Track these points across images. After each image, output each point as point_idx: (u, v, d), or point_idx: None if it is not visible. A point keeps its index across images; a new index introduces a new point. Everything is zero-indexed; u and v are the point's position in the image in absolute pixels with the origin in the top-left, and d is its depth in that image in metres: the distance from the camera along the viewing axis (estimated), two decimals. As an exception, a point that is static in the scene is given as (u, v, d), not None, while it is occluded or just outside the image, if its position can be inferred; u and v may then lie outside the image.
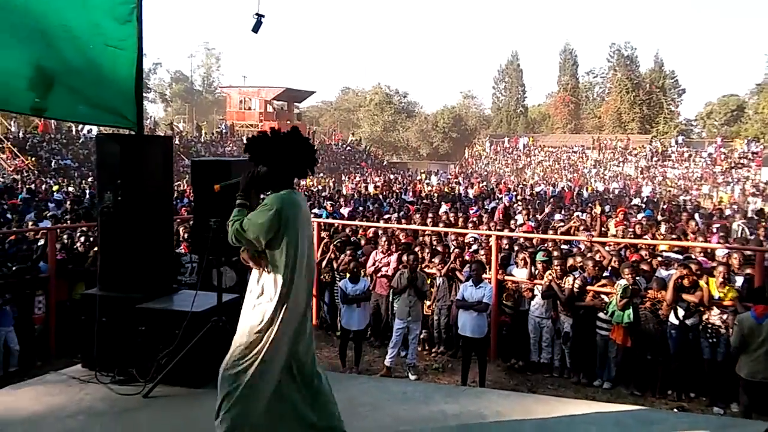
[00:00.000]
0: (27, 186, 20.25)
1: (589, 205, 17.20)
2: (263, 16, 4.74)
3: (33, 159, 27.75)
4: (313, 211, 14.73)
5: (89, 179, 23.90)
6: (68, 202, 15.16)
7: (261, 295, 3.34)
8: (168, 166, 5.15)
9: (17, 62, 4.33)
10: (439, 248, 9.15)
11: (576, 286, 7.55)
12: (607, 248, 8.60)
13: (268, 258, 3.31)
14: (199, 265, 9.56)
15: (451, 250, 8.90)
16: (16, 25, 4.23)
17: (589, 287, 7.60)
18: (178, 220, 10.00)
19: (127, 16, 4.81)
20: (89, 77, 4.75)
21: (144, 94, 5.12)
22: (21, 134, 30.81)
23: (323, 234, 9.90)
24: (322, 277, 9.49)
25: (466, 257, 8.65)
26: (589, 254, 8.56)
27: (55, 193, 18.70)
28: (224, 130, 44.68)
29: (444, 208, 15.99)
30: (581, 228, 11.22)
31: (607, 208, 16.69)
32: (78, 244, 9.46)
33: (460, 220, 12.31)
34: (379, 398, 4.51)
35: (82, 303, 4.89)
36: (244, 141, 3.67)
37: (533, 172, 42.99)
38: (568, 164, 43.56)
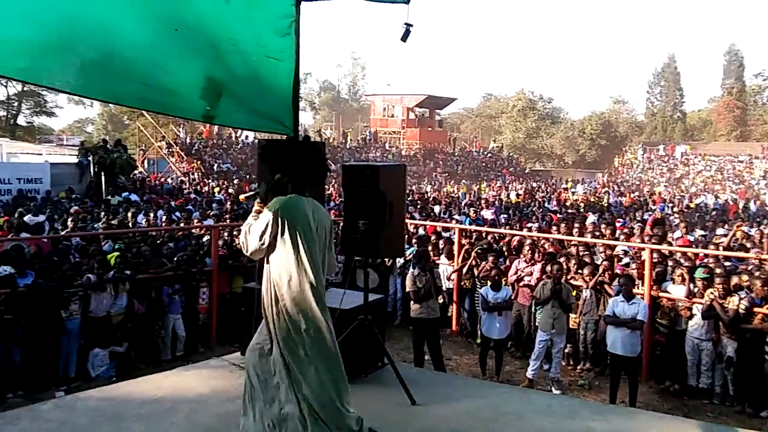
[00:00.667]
0: (193, 188, 22.16)
1: (757, 219, 15.69)
2: (412, 25, 4.83)
3: (198, 162, 30.29)
4: (453, 217, 14.76)
5: (233, 181, 25.60)
6: (228, 203, 16.38)
7: (266, 295, 3.50)
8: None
9: (192, 74, 4.75)
10: (587, 259, 8.79)
11: (742, 307, 6.91)
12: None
13: (271, 259, 3.45)
14: (346, 265, 9.98)
15: (599, 263, 8.53)
16: (191, 40, 4.63)
17: (757, 309, 6.93)
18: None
19: (286, 29, 5.10)
20: (252, 87, 5.09)
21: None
22: (188, 140, 33.78)
23: (464, 241, 9.88)
24: (462, 283, 9.50)
25: (617, 270, 8.24)
26: (757, 273, 7.81)
27: (216, 194, 20.29)
28: (368, 137, 46.04)
29: (591, 218, 15.34)
30: (743, 240, 10.26)
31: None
32: (237, 242, 10.19)
33: (608, 231, 11.74)
34: (523, 409, 4.42)
35: (243, 295, 5.25)
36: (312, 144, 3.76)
37: (692, 182, 39.92)
38: (732, 175, 39.98)
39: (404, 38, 4.80)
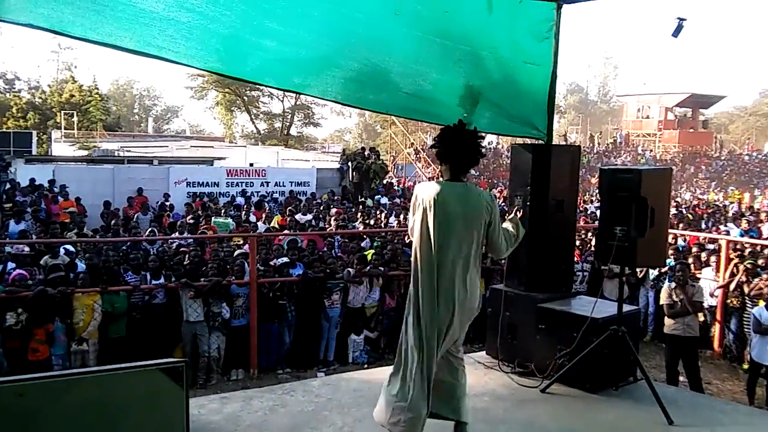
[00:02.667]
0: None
1: None
2: (685, 19, 4.49)
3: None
4: (718, 227, 13.29)
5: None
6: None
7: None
8: (574, 175, 5.29)
9: (452, 83, 4.98)
10: None
11: None
12: None
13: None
14: (591, 272, 9.60)
15: None
16: (453, 50, 4.86)
17: None
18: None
19: (545, 33, 5.09)
20: (508, 92, 5.17)
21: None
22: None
23: (733, 254, 8.86)
24: (728, 301, 8.53)
25: None
26: None
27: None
28: (619, 140, 43.46)
29: None
30: None
31: None
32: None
33: None
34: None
35: (491, 297, 5.37)
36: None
37: None
38: None
39: (676, 33, 4.50)
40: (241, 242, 9.93)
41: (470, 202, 3.51)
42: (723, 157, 41.33)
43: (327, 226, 13.08)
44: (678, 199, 22.79)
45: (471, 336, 9.07)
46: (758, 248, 9.67)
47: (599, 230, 4.64)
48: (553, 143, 5.41)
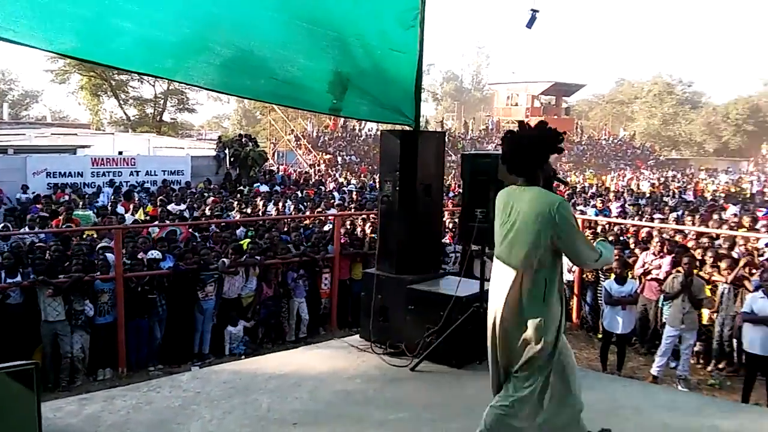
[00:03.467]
0: (318, 178, 22.99)
1: None
2: (538, 11, 4.78)
3: (323, 154, 31.38)
4: (578, 208, 14.30)
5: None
6: (353, 193, 16.88)
7: None
8: (440, 160, 5.48)
9: (320, 69, 4.98)
10: (726, 253, 8.22)
11: None
12: None
13: None
14: (462, 253, 10.01)
15: (738, 256, 7.95)
16: (320, 37, 4.86)
17: None
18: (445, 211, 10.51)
19: (410, 21, 5.21)
20: (376, 79, 5.25)
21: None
22: (315, 133, 35.11)
23: (588, 232, 9.57)
24: (584, 275, 9.22)
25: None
26: None
27: (348, 184, 20.94)
28: (491, 127, 45.43)
29: (733, 209, 14.28)
30: None
31: None
32: (358, 230, 10.53)
33: (749, 222, 10.88)
34: (644, 404, 4.27)
35: (363, 281, 5.47)
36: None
37: None
38: None
39: (529, 25, 4.75)
40: (95, 235, 9.37)
41: (528, 208, 3.19)
42: (583, 142, 44.38)
43: (201, 215, 12.65)
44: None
45: (349, 321, 9.27)
46: (609, 226, 10.53)
47: (462, 212, 4.85)
48: (421, 130, 5.55)
